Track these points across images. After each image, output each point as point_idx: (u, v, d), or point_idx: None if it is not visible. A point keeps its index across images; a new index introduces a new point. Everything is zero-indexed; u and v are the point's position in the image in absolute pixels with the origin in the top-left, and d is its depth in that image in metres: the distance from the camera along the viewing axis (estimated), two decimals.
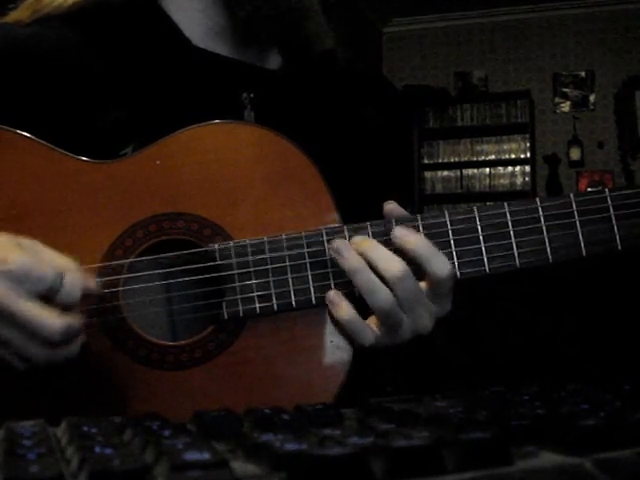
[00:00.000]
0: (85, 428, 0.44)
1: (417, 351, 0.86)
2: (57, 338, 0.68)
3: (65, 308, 0.70)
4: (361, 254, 0.76)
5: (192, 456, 0.37)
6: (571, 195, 0.81)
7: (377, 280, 0.76)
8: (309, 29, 0.94)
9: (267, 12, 0.87)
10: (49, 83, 0.86)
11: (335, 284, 0.79)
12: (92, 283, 0.73)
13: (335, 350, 0.79)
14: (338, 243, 0.77)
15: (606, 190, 0.81)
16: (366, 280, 0.76)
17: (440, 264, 0.76)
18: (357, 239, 0.77)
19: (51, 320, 0.68)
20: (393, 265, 0.75)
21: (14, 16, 0.92)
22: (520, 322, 2.74)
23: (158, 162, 0.79)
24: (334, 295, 0.78)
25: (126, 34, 0.90)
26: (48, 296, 0.69)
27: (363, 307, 0.78)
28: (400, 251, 0.77)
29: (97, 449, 0.39)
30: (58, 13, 0.89)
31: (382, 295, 0.76)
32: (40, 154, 0.78)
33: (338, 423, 0.49)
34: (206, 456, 0.37)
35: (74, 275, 0.70)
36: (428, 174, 6.83)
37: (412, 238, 0.76)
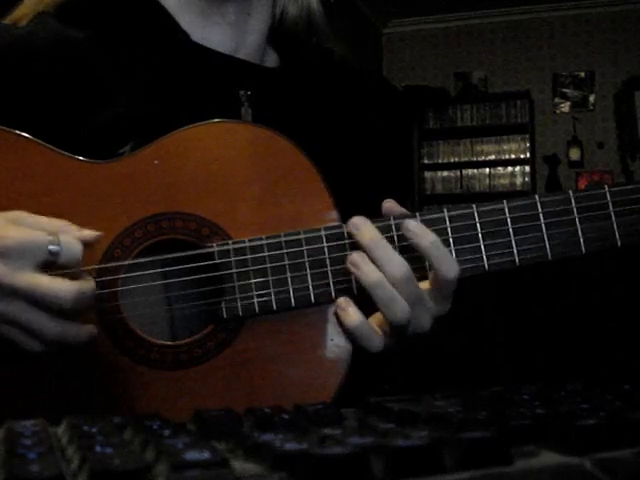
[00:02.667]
0: (85, 427, 0.44)
1: (416, 350, 0.86)
2: (70, 303, 0.68)
3: (74, 277, 0.70)
4: (364, 250, 0.76)
5: (192, 456, 0.37)
6: (570, 192, 0.80)
7: (396, 294, 0.75)
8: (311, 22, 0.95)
9: None
10: (45, 82, 0.86)
11: (334, 282, 0.79)
12: (89, 233, 0.73)
13: (335, 349, 0.79)
14: (355, 257, 0.76)
15: (605, 186, 0.81)
16: (385, 294, 0.75)
17: (449, 266, 0.76)
18: (356, 222, 0.77)
19: (60, 286, 0.68)
20: (396, 268, 0.75)
21: (17, 14, 0.92)
22: (521, 322, 2.74)
23: (156, 162, 0.79)
24: (342, 301, 0.78)
25: (123, 31, 0.90)
26: (52, 262, 0.69)
27: (362, 305, 0.78)
28: (405, 246, 0.77)
29: (97, 449, 0.39)
30: (57, 4, 0.89)
31: (400, 308, 0.75)
32: (38, 154, 0.78)
33: (338, 423, 0.49)
34: (206, 456, 0.37)
35: (69, 232, 0.70)
36: (428, 174, 6.83)
37: (428, 238, 0.76)
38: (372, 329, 0.78)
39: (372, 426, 0.47)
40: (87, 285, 0.70)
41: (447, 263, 0.76)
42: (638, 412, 0.45)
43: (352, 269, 0.76)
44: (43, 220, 0.71)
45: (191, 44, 0.91)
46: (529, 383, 0.59)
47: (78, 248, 0.70)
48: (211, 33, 0.93)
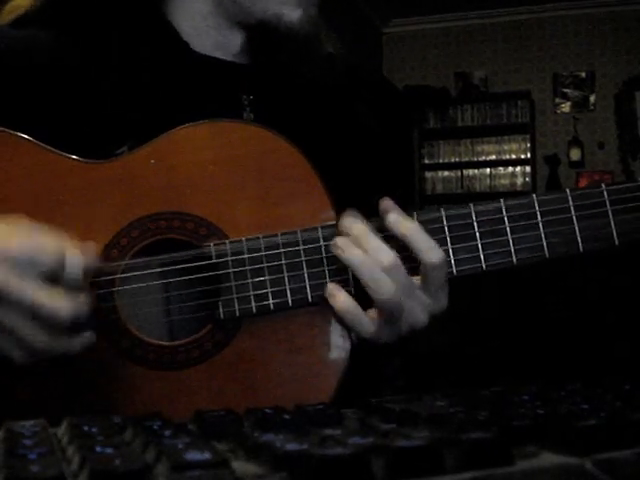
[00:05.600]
0: (86, 428, 0.44)
1: (414, 347, 0.86)
2: (67, 322, 0.68)
3: (72, 292, 0.70)
4: (353, 242, 0.77)
5: (193, 456, 0.37)
6: (567, 190, 0.80)
7: (381, 272, 0.75)
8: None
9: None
10: (44, 84, 0.86)
11: (331, 282, 0.79)
12: (92, 257, 0.73)
13: (332, 349, 0.79)
14: (339, 240, 0.77)
15: (602, 185, 0.81)
16: (369, 272, 0.76)
17: (432, 252, 0.76)
18: (347, 222, 0.77)
19: (61, 303, 0.68)
20: (382, 255, 0.76)
21: (15, 4, 0.91)
22: (520, 322, 2.74)
23: (153, 161, 0.79)
24: (332, 287, 0.78)
25: (123, 34, 0.90)
26: (53, 278, 0.69)
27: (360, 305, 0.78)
28: (393, 238, 0.77)
29: (98, 449, 0.39)
30: (56, 5, 0.89)
31: (385, 287, 0.75)
32: (36, 154, 0.78)
33: (339, 423, 0.49)
34: (207, 456, 0.37)
35: (74, 252, 0.70)
36: (429, 174, 6.83)
37: (406, 224, 0.77)
38: (362, 313, 0.78)
39: (373, 426, 0.47)
40: (85, 307, 0.70)
41: (429, 248, 0.76)
42: (638, 412, 0.45)
43: (337, 251, 0.77)
44: (49, 235, 0.71)
45: (192, 50, 0.91)
46: (529, 383, 0.59)
47: (80, 269, 0.70)
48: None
